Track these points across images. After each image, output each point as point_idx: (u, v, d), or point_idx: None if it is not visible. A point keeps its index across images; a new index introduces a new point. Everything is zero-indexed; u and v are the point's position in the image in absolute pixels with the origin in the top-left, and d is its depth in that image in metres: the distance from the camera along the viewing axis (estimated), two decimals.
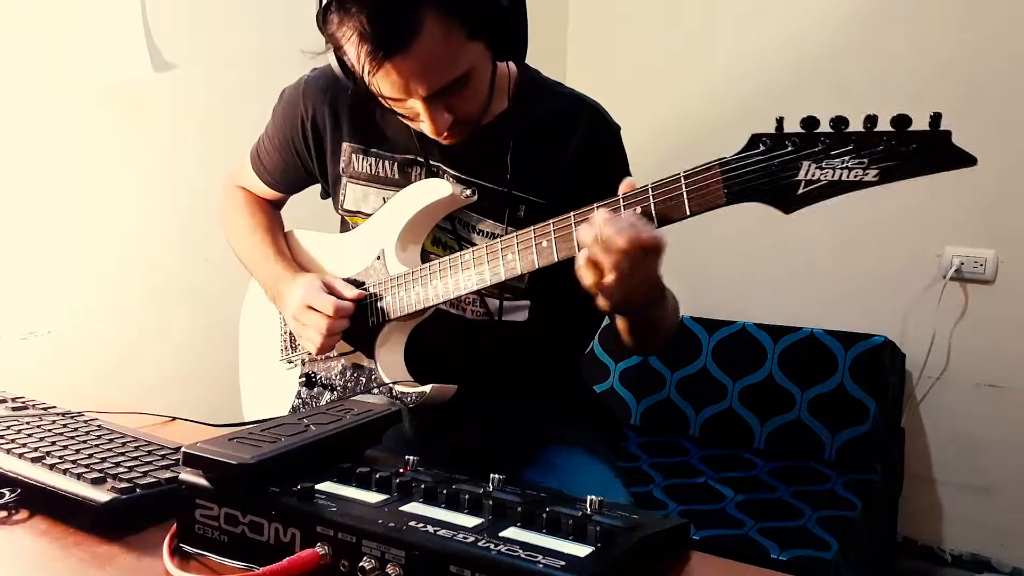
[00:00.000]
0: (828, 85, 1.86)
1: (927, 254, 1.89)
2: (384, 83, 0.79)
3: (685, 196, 0.70)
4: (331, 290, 0.94)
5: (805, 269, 2.02)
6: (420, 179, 0.95)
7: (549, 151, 0.93)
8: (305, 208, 1.16)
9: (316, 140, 1.00)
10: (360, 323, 0.96)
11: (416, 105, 0.82)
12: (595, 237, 0.71)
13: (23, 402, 0.86)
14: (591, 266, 0.72)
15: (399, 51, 0.75)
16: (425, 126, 0.84)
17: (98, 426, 0.78)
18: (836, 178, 0.64)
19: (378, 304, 0.94)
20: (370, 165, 0.97)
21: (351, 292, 0.93)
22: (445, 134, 0.85)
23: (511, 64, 0.94)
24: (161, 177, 1.45)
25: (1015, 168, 1.78)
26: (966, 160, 0.62)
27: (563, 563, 0.47)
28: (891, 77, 1.82)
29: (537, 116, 0.93)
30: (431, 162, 0.94)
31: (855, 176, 0.64)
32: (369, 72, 0.77)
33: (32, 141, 1.28)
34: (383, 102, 0.83)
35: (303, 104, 0.99)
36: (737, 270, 2.09)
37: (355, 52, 0.76)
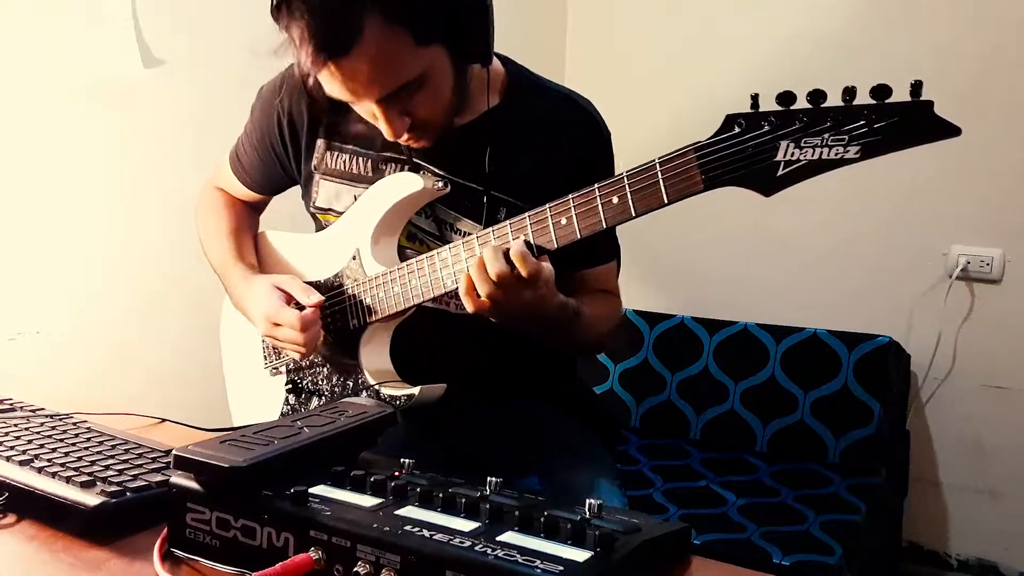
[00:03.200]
0: (829, 81, 1.84)
1: (933, 253, 1.87)
2: (329, 84, 0.80)
3: (662, 183, 0.69)
4: (289, 298, 0.93)
5: (808, 268, 2.01)
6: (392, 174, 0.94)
7: (536, 153, 0.92)
8: (290, 208, 1.15)
9: (292, 137, 0.99)
10: (342, 326, 0.95)
11: (371, 107, 0.82)
12: (477, 261, 0.78)
13: (11, 404, 0.85)
14: (470, 291, 0.79)
15: (340, 54, 0.76)
16: (382, 128, 0.84)
17: (87, 428, 0.77)
18: (816, 157, 0.62)
19: (358, 306, 0.93)
20: (344, 162, 0.96)
21: (310, 299, 0.92)
22: (406, 136, 0.85)
23: (497, 63, 0.93)
24: (152, 175, 1.44)
25: (1023, 165, 1.77)
26: (949, 130, 0.60)
27: (561, 568, 0.47)
28: (894, 74, 1.79)
29: (526, 115, 0.92)
30: (414, 159, 0.93)
31: (835, 154, 0.62)
32: (311, 73, 0.79)
33: (20, 138, 1.27)
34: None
35: (279, 102, 0.99)
36: (738, 269, 2.08)
37: (299, 52, 0.77)
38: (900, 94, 0.61)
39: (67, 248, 1.34)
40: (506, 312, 0.79)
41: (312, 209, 1.00)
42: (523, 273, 0.76)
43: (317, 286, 0.97)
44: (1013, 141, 1.76)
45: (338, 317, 0.95)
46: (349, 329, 0.94)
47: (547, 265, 0.78)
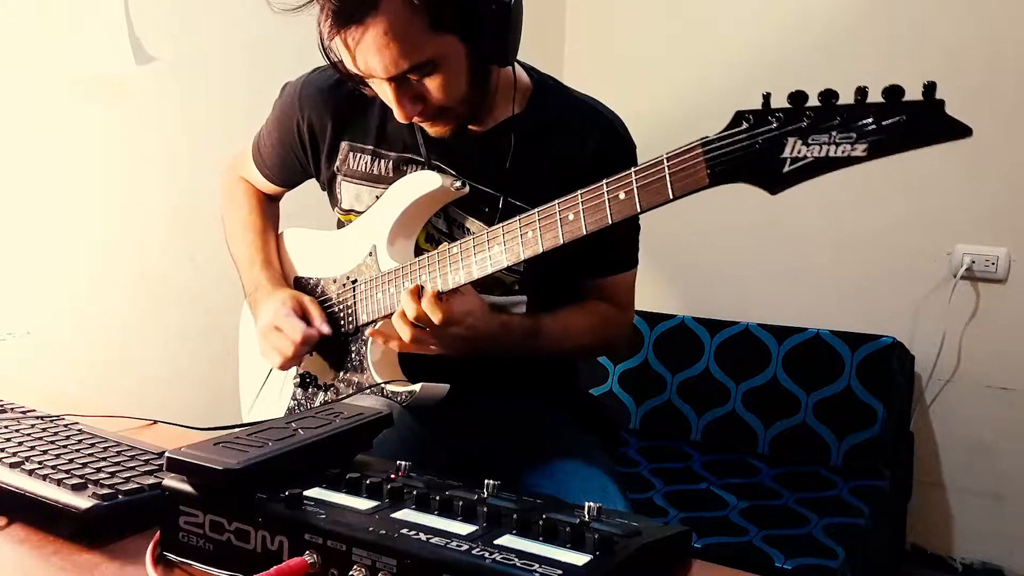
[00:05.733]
0: (830, 74, 1.83)
1: (937, 252, 1.86)
2: (344, 55, 0.83)
3: (668, 178, 0.69)
4: (304, 314, 0.96)
5: (811, 267, 2.00)
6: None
7: (556, 162, 0.92)
8: (304, 205, 1.15)
9: (312, 143, 1.01)
10: (353, 322, 0.96)
11: (384, 87, 0.84)
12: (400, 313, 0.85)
13: (1, 405, 0.84)
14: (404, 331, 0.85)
15: (353, 23, 0.78)
16: (394, 110, 0.86)
17: (79, 430, 0.76)
18: (823, 154, 0.61)
19: (370, 302, 0.94)
20: (366, 163, 0.97)
21: (322, 326, 0.95)
22: (417, 119, 0.87)
23: (522, 70, 0.95)
24: (145, 173, 1.43)
25: None
26: (960, 131, 0.58)
27: (560, 572, 0.46)
28: (896, 69, 1.79)
29: (548, 123, 0.93)
30: (432, 160, 0.94)
31: (843, 152, 0.61)
32: (327, 38, 0.81)
33: (12, 136, 1.26)
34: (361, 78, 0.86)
35: (299, 108, 1.00)
36: (740, 269, 2.07)
37: (320, 16, 0.80)
38: (910, 92, 0.60)
39: (58, 248, 1.34)
40: (441, 345, 0.85)
41: (337, 211, 1.02)
42: (435, 320, 0.81)
43: (332, 282, 0.99)
44: (1018, 139, 1.75)
45: (349, 313, 0.96)
46: (359, 325, 0.95)
47: (464, 300, 0.84)
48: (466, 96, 0.86)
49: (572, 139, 0.93)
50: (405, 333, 0.85)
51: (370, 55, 0.80)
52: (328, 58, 0.86)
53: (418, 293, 0.83)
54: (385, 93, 0.85)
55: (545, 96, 0.95)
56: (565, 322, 0.94)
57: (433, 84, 0.83)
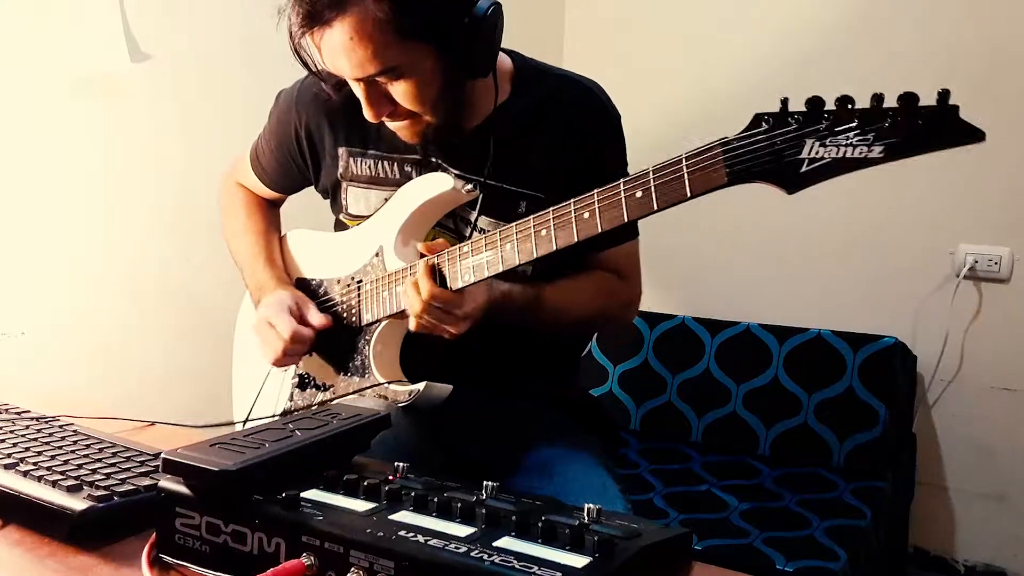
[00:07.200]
0: (833, 77, 1.84)
1: (940, 252, 1.86)
2: (315, 53, 0.84)
3: (686, 176, 0.69)
4: (299, 312, 0.95)
5: (812, 267, 1.99)
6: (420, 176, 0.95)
7: (547, 143, 0.93)
8: (305, 208, 1.15)
9: (311, 149, 1.01)
10: (356, 322, 0.96)
11: (355, 85, 0.85)
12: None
13: None
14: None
15: (320, 23, 0.79)
16: (364, 109, 0.86)
17: (74, 431, 0.76)
18: (840, 155, 0.63)
19: (375, 301, 0.94)
20: (369, 167, 0.97)
21: (318, 320, 0.94)
22: (387, 119, 0.88)
23: (505, 57, 0.95)
24: (141, 173, 1.42)
25: None
26: (974, 135, 0.60)
27: (559, 574, 0.46)
28: (899, 69, 1.79)
29: (534, 104, 0.94)
30: (430, 159, 0.94)
31: (860, 153, 0.62)
32: (297, 36, 0.82)
33: (5, 135, 1.26)
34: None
35: (296, 113, 1.00)
36: (741, 269, 2.07)
37: (291, 14, 0.82)
38: (918, 95, 0.61)
39: (53, 248, 1.33)
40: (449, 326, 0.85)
41: (343, 216, 1.02)
42: (424, 294, 0.82)
43: (336, 282, 0.99)
44: (1021, 139, 1.74)
45: (353, 313, 0.96)
46: (363, 325, 0.95)
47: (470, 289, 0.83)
48: (437, 104, 0.86)
49: (561, 117, 0.93)
50: (416, 304, 0.84)
51: (337, 56, 0.81)
52: (300, 57, 0.87)
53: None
54: (357, 90, 0.86)
55: (528, 77, 0.95)
56: (567, 290, 0.93)
57: (401, 89, 0.84)
